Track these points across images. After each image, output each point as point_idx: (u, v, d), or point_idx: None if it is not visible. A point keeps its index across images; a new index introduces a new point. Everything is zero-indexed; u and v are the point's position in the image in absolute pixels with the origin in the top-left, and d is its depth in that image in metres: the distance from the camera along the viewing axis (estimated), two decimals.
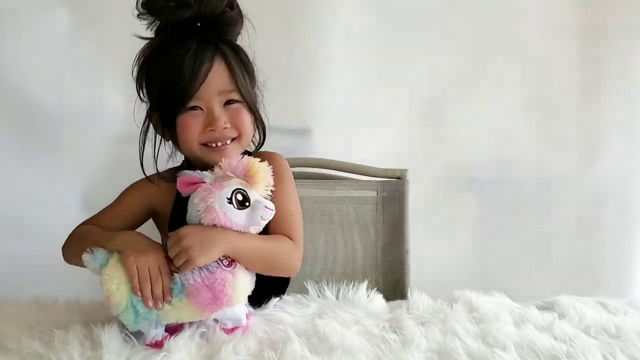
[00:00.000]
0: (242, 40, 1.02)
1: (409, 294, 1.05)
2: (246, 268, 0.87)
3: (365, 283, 1.05)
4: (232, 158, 0.89)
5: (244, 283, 0.85)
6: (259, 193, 0.87)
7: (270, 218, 0.88)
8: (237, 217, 0.85)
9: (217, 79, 0.96)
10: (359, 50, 1.53)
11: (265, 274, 0.93)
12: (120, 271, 0.81)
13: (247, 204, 0.85)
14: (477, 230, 1.61)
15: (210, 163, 0.97)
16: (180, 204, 0.94)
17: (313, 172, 1.37)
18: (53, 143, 1.51)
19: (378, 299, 1.01)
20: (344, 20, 1.53)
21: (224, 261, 0.84)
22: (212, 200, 0.84)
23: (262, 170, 0.87)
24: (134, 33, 0.98)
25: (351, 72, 1.54)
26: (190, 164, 1.02)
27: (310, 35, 1.52)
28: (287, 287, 1.06)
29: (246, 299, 0.88)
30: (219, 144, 0.98)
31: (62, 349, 0.78)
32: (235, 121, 0.98)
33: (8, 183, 1.50)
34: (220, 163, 0.89)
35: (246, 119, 1.00)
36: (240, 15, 1.00)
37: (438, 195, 1.59)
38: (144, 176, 1.04)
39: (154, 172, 1.03)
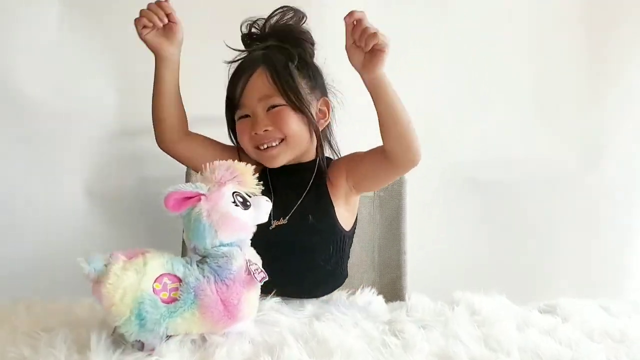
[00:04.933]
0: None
1: (406, 295, 1.04)
2: (386, 115, 0.95)
3: (363, 284, 1.04)
4: (220, 165, 0.85)
5: (255, 297, 0.82)
6: (252, 190, 0.85)
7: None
8: (246, 217, 0.82)
9: (256, 86, 1.04)
10: None
11: (401, 130, 0.96)
12: (124, 280, 0.75)
13: (248, 203, 0.83)
14: (477, 230, 1.60)
15: (265, 165, 1.07)
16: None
17: None
18: (47, 140, 1.48)
19: (377, 300, 0.99)
20: (339, 19, 1.51)
21: (257, 272, 0.80)
22: (222, 207, 0.80)
23: (248, 170, 0.85)
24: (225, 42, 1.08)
25: (351, 70, 1.52)
26: None
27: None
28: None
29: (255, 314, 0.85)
30: (266, 146, 1.04)
31: (48, 352, 0.75)
32: (277, 123, 1.04)
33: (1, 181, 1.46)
34: (202, 172, 0.85)
35: (290, 120, 1.04)
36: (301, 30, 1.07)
37: (438, 196, 1.58)
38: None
39: None
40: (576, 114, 1.59)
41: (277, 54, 1.05)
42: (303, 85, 1.06)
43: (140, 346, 0.76)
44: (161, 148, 1.13)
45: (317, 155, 1.11)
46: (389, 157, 1.01)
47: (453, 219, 1.60)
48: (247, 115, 1.05)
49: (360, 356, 0.77)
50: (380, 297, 1.00)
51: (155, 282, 0.76)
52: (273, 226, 1.03)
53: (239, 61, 1.09)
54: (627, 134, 1.59)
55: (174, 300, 0.76)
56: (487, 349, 0.81)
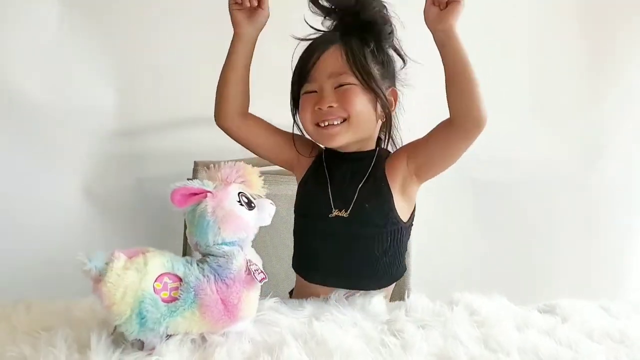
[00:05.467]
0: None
1: (406, 295, 1.03)
2: (454, 70, 0.96)
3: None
4: (227, 165, 0.86)
5: (255, 297, 0.82)
6: (257, 191, 0.86)
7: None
8: (249, 218, 0.83)
9: (328, 62, 1.02)
10: None
11: (469, 86, 0.96)
12: (125, 279, 0.75)
13: (252, 204, 0.83)
14: (476, 230, 1.60)
15: (322, 144, 1.07)
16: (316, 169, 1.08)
17: None
18: (46, 140, 1.47)
19: (376, 300, 0.98)
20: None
21: (257, 272, 0.81)
22: (228, 205, 0.81)
23: (254, 172, 0.86)
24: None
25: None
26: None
27: (310, 31, 1.50)
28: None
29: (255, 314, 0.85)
30: (327, 123, 1.01)
31: (48, 351, 0.75)
32: (343, 102, 1.01)
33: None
34: (208, 170, 0.86)
35: (357, 100, 1.01)
36: (374, 6, 1.03)
37: (438, 195, 1.57)
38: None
39: None
40: (576, 114, 1.59)
41: (354, 35, 1.03)
42: (375, 70, 1.03)
43: (140, 345, 0.77)
44: (219, 125, 1.11)
45: (377, 146, 1.10)
46: (454, 121, 1.00)
47: (453, 219, 1.59)
48: (314, 91, 1.03)
49: (359, 356, 0.77)
50: (380, 296, 0.99)
51: (155, 281, 0.76)
52: (333, 215, 1.02)
53: (309, 40, 1.06)
54: (627, 134, 1.59)
55: (174, 299, 0.77)
56: (487, 350, 0.81)
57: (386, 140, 1.08)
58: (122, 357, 0.75)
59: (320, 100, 1.01)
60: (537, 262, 1.60)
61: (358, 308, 0.95)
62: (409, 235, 1.10)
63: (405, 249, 1.10)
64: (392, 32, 1.07)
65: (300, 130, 1.09)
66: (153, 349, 0.76)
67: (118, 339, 0.78)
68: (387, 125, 1.06)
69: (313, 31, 1.07)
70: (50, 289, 1.04)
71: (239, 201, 0.82)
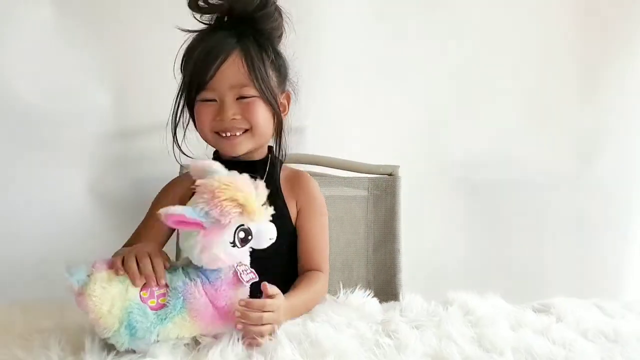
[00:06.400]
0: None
1: (401, 295, 1.04)
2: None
3: (358, 285, 1.02)
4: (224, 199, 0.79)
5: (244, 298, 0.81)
6: (257, 220, 0.81)
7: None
8: (240, 254, 0.80)
9: (229, 72, 1.00)
10: (353, 48, 1.51)
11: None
12: (110, 290, 0.73)
13: (249, 237, 0.80)
14: (471, 230, 1.60)
15: (222, 152, 1.05)
16: None
17: (304, 169, 1.35)
18: (43, 142, 1.47)
19: (370, 300, 0.98)
20: (339, 17, 1.50)
21: (245, 273, 0.80)
22: (215, 251, 0.77)
23: (254, 201, 0.80)
24: (176, 25, 1.04)
25: (344, 69, 1.52)
26: (218, 153, 1.08)
27: (305, 32, 1.50)
28: None
29: None
30: (229, 134, 1.02)
31: (42, 353, 0.75)
32: (246, 114, 1.01)
33: None
34: (196, 185, 0.81)
35: (259, 112, 1.02)
36: (274, 13, 1.03)
37: (432, 195, 1.57)
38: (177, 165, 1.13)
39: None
40: (571, 113, 1.58)
41: (252, 41, 1.01)
42: (273, 77, 1.04)
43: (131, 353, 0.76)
44: None
45: (268, 153, 1.10)
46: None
47: (447, 218, 1.59)
48: (213, 100, 1.02)
49: (354, 357, 0.77)
50: (375, 299, 0.99)
51: (142, 290, 0.76)
52: None
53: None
54: (623, 134, 1.58)
55: (162, 306, 0.76)
56: (481, 349, 0.81)
57: (277, 146, 1.10)
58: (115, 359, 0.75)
59: (222, 113, 1.00)
60: (532, 263, 1.59)
61: (352, 309, 0.94)
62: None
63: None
64: (282, 33, 1.07)
65: (176, 126, 1.08)
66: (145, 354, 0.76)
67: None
68: (279, 131, 1.08)
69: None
70: (47, 290, 1.03)
71: (233, 242, 0.78)
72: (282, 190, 1.09)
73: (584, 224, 1.60)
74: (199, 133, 1.06)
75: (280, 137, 1.09)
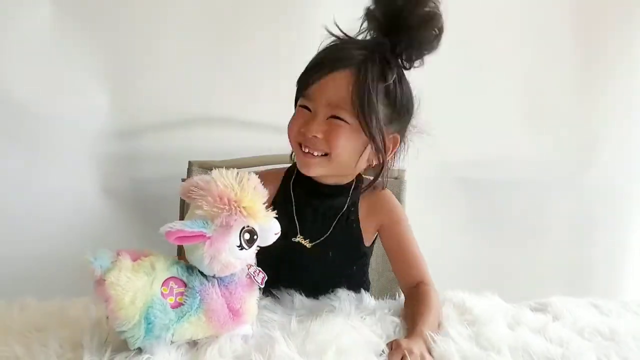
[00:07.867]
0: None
1: (397, 293, 1.04)
2: None
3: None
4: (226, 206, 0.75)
5: (255, 300, 0.81)
6: (260, 219, 0.79)
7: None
8: (247, 256, 0.78)
9: (332, 87, 0.92)
10: None
11: None
12: (135, 282, 0.69)
13: (255, 237, 0.78)
14: (469, 230, 1.60)
15: (297, 165, 0.99)
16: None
17: None
18: (42, 141, 1.47)
19: (369, 298, 0.99)
20: (336, 17, 1.50)
21: (256, 274, 0.80)
22: (225, 257, 0.75)
23: (256, 201, 0.78)
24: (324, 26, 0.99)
25: None
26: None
27: (304, 32, 1.50)
28: None
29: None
30: (307, 150, 0.96)
31: (41, 351, 0.75)
32: (329, 136, 0.93)
33: None
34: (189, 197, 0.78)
35: (344, 140, 0.93)
36: (433, 37, 0.97)
37: (431, 195, 1.57)
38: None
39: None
40: (570, 113, 1.59)
41: (376, 66, 0.92)
42: (381, 113, 0.94)
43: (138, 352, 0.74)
44: None
45: (354, 180, 1.03)
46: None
47: (445, 218, 1.59)
48: (307, 108, 0.96)
49: (352, 354, 0.77)
50: (370, 295, 0.99)
51: (162, 285, 0.73)
52: (296, 240, 1.01)
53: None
54: (621, 134, 1.59)
55: (180, 304, 0.74)
56: (478, 348, 0.81)
57: (371, 183, 1.03)
58: (113, 357, 0.75)
59: (308, 125, 0.94)
60: (530, 262, 1.60)
61: (352, 307, 0.94)
62: (372, 249, 1.09)
63: (369, 264, 1.10)
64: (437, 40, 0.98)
65: None
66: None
67: (111, 341, 0.77)
68: (379, 171, 1.01)
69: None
70: (46, 289, 1.04)
71: (240, 244, 0.76)
72: (359, 212, 1.04)
73: (583, 224, 1.61)
74: (288, 138, 0.99)
75: (380, 176, 1.01)
